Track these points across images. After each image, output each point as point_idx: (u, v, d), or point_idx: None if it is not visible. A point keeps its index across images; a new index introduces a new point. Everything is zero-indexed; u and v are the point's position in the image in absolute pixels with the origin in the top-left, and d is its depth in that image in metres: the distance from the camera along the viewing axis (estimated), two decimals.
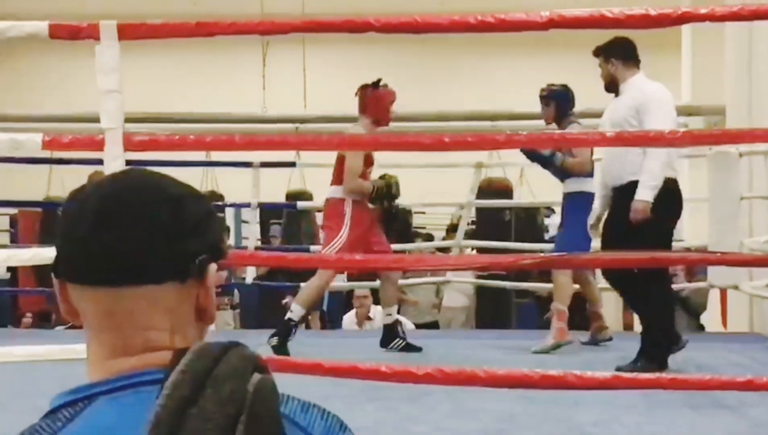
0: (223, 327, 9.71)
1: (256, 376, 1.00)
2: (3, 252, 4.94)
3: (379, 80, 6.47)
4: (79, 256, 1.10)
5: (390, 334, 6.47)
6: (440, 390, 4.32)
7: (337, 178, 6.28)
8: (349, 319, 9.04)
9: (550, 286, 9.88)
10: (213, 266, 1.14)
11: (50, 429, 1.08)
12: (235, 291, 10.11)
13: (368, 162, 6.33)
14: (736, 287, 7.69)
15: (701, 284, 8.29)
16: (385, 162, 7.85)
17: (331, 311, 10.16)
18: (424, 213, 13.29)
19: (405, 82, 15.03)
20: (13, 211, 11.91)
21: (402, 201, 6.80)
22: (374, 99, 6.34)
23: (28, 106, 13.22)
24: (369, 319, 8.84)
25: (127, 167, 1.22)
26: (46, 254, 3.58)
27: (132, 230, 1.09)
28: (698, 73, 10.76)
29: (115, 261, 1.09)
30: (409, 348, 6.37)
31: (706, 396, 4.46)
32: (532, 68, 13.69)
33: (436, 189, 10.62)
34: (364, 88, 6.45)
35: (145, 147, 3.61)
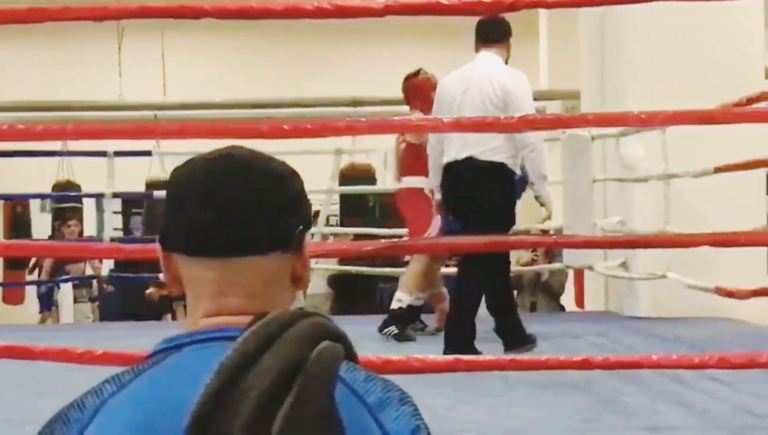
0: (83, 320, 9.54)
1: (324, 343, 1.06)
2: None
3: (419, 70, 6.46)
4: (189, 230, 1.20)
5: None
6: None
7: (412, 168, 6.29)
8: None
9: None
10: (308, 237, 1.24)
11: (136, 370, 1.19)
12: (94, 283, 9.91)
13: None
14: (590, 268, 7.88)
15: (557, 266, 8.46)
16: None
17: None
18: None
19: (267, 70, 15.03)
20: None
21: None
22: (412, 89, 6.40)
23: None
24: None
25: (229, 145, 1.26)
26: None
27: (239, 205, 1.18)
28: (555, 59, 10.97)
29: (223, 234, 1.18)
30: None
31: (558, 375, 4.53)
32: (392, 55, 13.74)
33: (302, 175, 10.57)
34: (406, 80, 6.51)
35: None
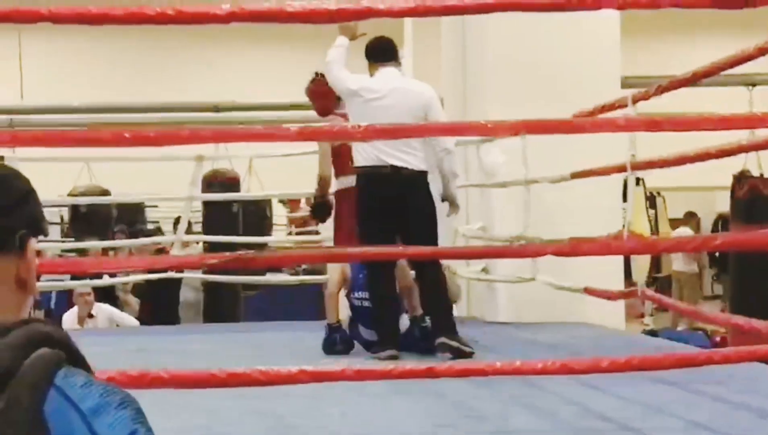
0: None
1: (40, 350, 1.09)
2: None
3: (316, 74, 6.31)
4: None
5: None
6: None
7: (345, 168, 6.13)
8: (69, 317, 8.70)
9: (277, 278, 10.03)
10: (33, 241, 1.25)
11: None
12: None
13: None
14: (454, 273, 7.94)
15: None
16: (108, 155, 7.62)
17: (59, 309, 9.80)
18: (156, 206, 13.05)
19: (129, 73, 14.78)
20: None
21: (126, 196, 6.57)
22: (311, 94, 6.35)
23: None
24: (91, 316, 8.56)
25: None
26: None
27: None
28: (419, 65, 11.04)
29: None
30: None
31: (416, 383, 4.53)
32: (257, 59, 13.68)
33: (166, 181, 10.42)
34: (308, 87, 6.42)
35: None
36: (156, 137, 3.35)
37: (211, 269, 9.01)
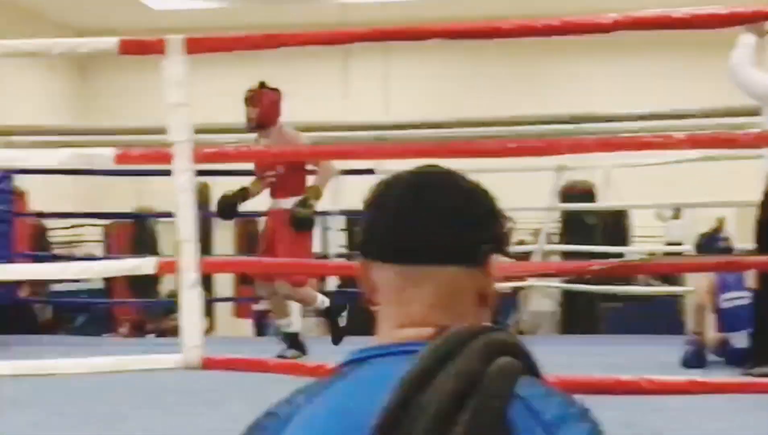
0: (307, 334, 9.77)
1: (501, 359, 1.09)
2: (99, 263, 5.01)
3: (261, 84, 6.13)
4: (382, 237, 1.27)
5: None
6: None
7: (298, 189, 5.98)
8: None
9: (637, 289, 9.82)
10: (496, 256, 1.27)
11: (325, 382, 1.24)
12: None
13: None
14: None
15: None
16: (467, 167, 7.80)
17: None
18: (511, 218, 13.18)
19: (486, 87, 15.08)
20: (107, 222, 12.16)
21: None
22: (264, 98, 6.04)
23: (104, 118, 13.55)
24: None
25: (425, 164, 1.34)
26: (138, 265, 3.65)
27: (426, 216, 1.25)
28: None
29: (411, 243, 1.25)
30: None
31: None
32: (612, 70, 13.52)
33: (521, 193, 10.52)
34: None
35: (212, 159, 3.66)
36: (541, 147, 3.40)
37: (572, 279, 9.02)
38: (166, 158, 3.51)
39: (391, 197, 1.28)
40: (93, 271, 4.02)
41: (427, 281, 1.25)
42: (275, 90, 6.07)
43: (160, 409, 4.28)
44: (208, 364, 3.47)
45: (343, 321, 6.15)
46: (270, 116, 5.96)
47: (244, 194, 6.04)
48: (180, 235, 3.47)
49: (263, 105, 5.95)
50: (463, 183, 1.30)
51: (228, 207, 6.03)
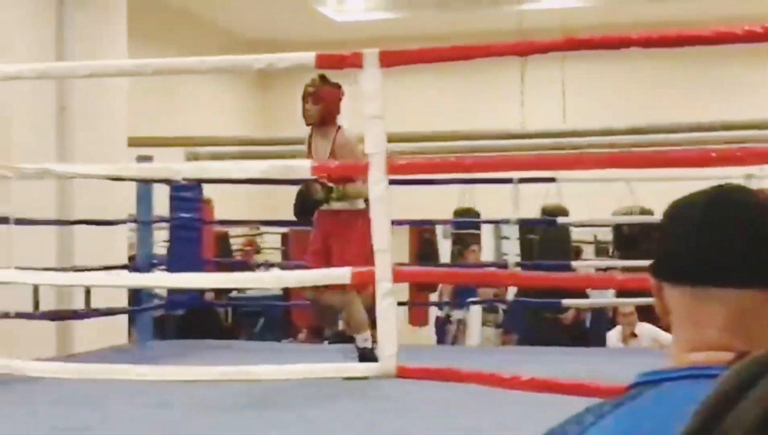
0: (487, 344, 9.76)
1: None
2: (296, 273, 5.07)
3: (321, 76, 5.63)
4: (679, 258, 1.25)
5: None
6: None
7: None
8: (613, 335, 8.88)
9: None
10: None
11: (614, 403, 1.22)
12: (499, 308, 10.08)
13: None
14: None
15: None
16: (644, 176, 7.68)
17: (595, 328, 10.00)
18: None
19: (664, 93, 14.76)
20: (285, 229, 12.43)
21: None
22: (326, 95, 5.61)
23: (281, 130, 13.87)
24: (634, 335, 8.65)
25: (724, 182, 1.31)
26: (334, 274, 3.73)
27: (723, 236, 1.22)
28: None
29: (709, 264, 1.22)
30: None
31: None
32: None
33: None
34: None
35: (406, 170, 3.71)
36: (742, 157, 3.31)
37: None
38: (360, 170, 3.58)
39: (688, 217, 1.25)
40: (290, 281, 4.12)
41: (722, 304, 1.22)
42: (337, 85, 5.62)
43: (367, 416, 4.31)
44: (404, 373, 3.51)
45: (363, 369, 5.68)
46: (332, 114, 5.56)
47: (328, 196, 5.46)
48: (375, 245, 3.53)
49: (326, 102, 5.54)
50: (763, 202, 1.25)
51: (312, 205, 5.53)
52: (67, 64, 6.22)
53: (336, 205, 5.45)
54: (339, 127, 5.55)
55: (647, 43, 3.27)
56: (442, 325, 10.67)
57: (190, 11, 13.80)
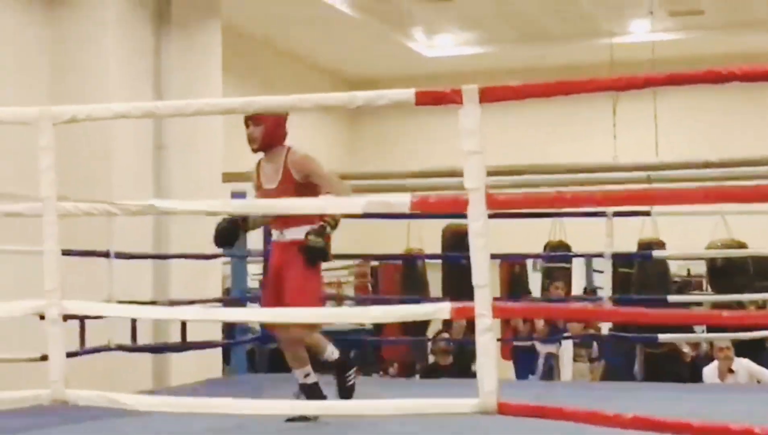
0: (580, 379, 9.64)
1: None
2: (397, 308, 5.02)
3: None
4: None
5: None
6: None
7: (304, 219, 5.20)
8: (709, 371, 8.72)
9: None
10: None
11: None
12: (594, 343, 9.95)
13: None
14: None
15: None
16: (739, 209, 7.57)
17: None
18: None
19: (756, 125, 14.51)
20: (375, 262, 12.45)
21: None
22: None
23: (393, 164, 13.97)
24: (731, 371, 8.49)
25: None
26: (433, 309, 3.74)
27: None
28: None
29: None
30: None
31: None
32: None
33: None
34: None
35: (505, 205, 3.71)
36: None
37: None
38: (460, 206, 3.58)
39: None
40: (391, 316, 4.13)
41: None
42: None
43: None
44: (505, 410, 3.49)
45: (351, 380, 5.38)
46: (277, 135, 5.30)
47: (245, 223, 5.40)
48: (475, 280, 3.52)
49: (267, 123, 5.25)
50: None
51: (228, 233, 5.36)
52: (172, 103, 6.34)
53: (289, 237, 5.24)
54: (289, 148, 5.31)
55: (748, 77, 3.23)
56: (527, 359, 10.60)
57: (273, 44, 13.98)
